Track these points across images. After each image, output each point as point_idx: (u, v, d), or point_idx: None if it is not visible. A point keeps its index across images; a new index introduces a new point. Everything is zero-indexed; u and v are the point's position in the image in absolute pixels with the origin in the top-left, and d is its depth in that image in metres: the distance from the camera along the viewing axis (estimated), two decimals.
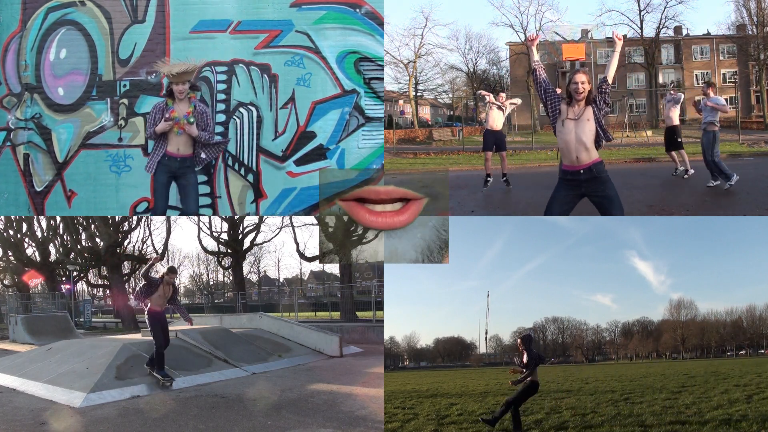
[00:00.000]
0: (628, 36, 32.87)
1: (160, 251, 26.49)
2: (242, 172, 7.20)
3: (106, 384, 6.65)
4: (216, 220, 24.62)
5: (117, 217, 20.56)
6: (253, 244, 25.82)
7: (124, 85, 7.23)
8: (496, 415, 5.17)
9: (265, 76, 7.16)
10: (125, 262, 24.93)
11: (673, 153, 11.06)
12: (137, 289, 7.30)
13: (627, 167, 14.73)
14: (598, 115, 4.83)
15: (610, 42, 5.43)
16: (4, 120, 7.32)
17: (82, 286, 32.68)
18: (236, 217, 22.82)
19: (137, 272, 34.73)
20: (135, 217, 21.00)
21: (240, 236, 24.78)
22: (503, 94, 10.33)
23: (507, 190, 10.30)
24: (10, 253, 23.29)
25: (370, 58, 7.13)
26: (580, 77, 4.78)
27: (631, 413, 5.96)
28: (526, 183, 11.66)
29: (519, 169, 15.33)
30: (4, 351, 12.15)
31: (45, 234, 22.63)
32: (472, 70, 36.48)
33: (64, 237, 22.60)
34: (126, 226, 22.11)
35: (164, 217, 17.73)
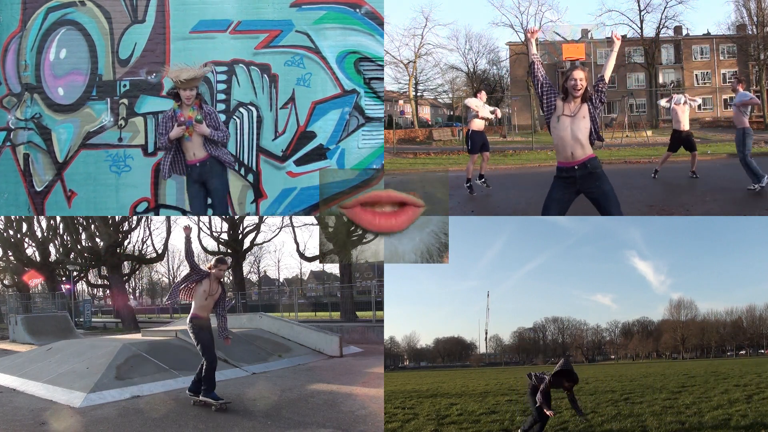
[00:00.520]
0: (628, 36, 32.89)
1: (160, 251, 26.52)
2: (242, 172, 7.20)
3: (106, 384, 6.65)
4: (216, 220, 24.65)
5: (117, 217, 20.56)
6: (253, 244, 25.84)
7: (124, 85, 7.23)
8: None
9: (265, 76, 7.16)
10: (125, 262, 24.93)
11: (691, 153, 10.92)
12: (175, 283, 6.01)
13: (627, 167, 14.73)
14: (593, 112, 4.84)
15: (610, 42, 5.43)
16: (4, 120, 7.32)
17: (82, 286, 32.71)
18: (236, 217, 22.81)
19: (136, 273, 34.80)
20: (135, 217, 21.00)
21: (240, 236, 24.79)
22: (484, 93, 10.24)
23: (489, 193, 10.03)
24: (10, 253, 23.31)
25: (370, 58, 7.13)
26: (578, 74, 4.79)
27: (631, 413, 5.96)
28: (526, 183, 11.66)
29: (519, 169, 15.33)
30: (4, 351, 12.16)
31: (45, 234, 22.64)
32: (472, 70, 36.48)
33: (64, 237, 22.61)
34: (126, 226, 22.11)
35: (164, 217, 17.74)
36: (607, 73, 5.00)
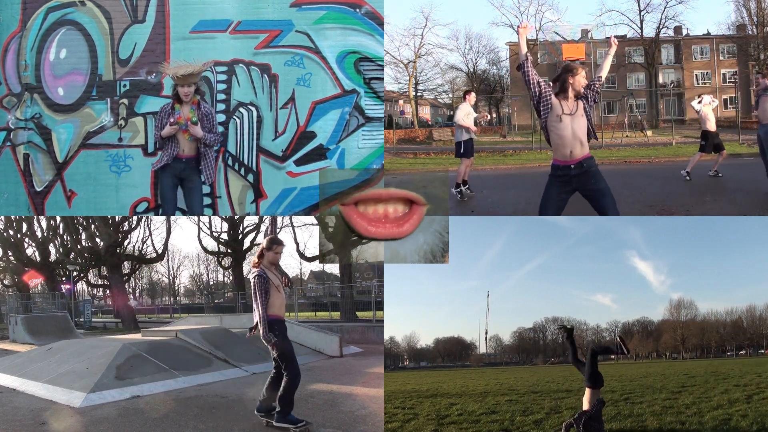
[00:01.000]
0: (628, 36, 32.92)
1: (160, 251, 26.51)
2: (242, 172, 7.20)
3: (106, 384, 6.65)
4: (216, 220, 24.66)
5: (117, 217, 20.57)
6: (253, 244, 25.84)
7: (124, 85, 7.23)
8: None
9: (265, 76, 7.16)
10: (125, 262, 24.95)
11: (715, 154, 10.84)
12: (255, 286, 4.85)
13: (627, 167, 14.74)
14: (588, 111, 4.88)
15: (609, 44, 5.46)
16: (4, 120, 7.32)
17: (82, 286, 32.73)
18: (236, 217, 22.82)
19: (136, 273, 34.75)
20: (135, 217, 21.01)
21: (240, 236, 24.81)
22: (473, 94, 9.64)
23: (471, 196, 9.74)
24: (10, 253, 23.32)
25: (370, 58, 7.13)
26: (582, 70, 4.84)
27: (631, 413, 5.96)
28: (526, 183, 11.66)
29: (519, 169, 15.34)
30: (4, 351, 12.15)
31: (45, 234, 22.65)
32: (472, 70, 36.53)
33: (64, 237, 22.63)
34: (126, 226, 22.13)
35: (164, 217, 17.72)
36: (603, 73, 5.05)
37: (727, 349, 27.48)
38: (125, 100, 7.22)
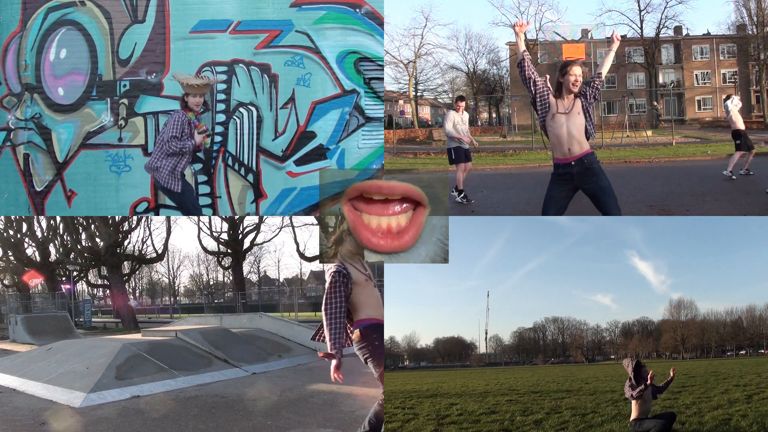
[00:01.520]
0: (628, 36, 32.90)
1: (160, 251, 26.51)
2: (242, 172, 7.20)
3: (106, 384, 6.65)
4: (216, 220, 24.65)
5: (117, 217, 20.57)
6: (253, 244, 25.87)
7: (124, 85, 7.23)
8: None
9: (265, 76, 7.16)
10: (125, 262, 24.95)
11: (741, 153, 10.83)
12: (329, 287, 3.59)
13: (627, 167, 14.73)
14: (587, 108, 4.85)
15: (609, 42, 5.43)
16: (4, 120, 7.32)
17: (82, 286, 32.75)
18: (236, 217, 22.81)
19: (136, 273, 34.66)
20: (135, 217, 21.00)
21: (240, 236, 24.80)
22: (462, 104, 9.24)
23: (469, 204, 9.32)
24: (10, 253, 23.31)
25: (370, 58, 7.13)
26: (577, 69, 4.80)
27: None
28: (526, 183, 11.65)
29: (519, 169, 15.33)
30: (4, 351, 12.15)
31: (45, 234, 22.65)
32: (472, 70, 36.52)
33: (64, 237, 22.62)
34: (126, 226, 22.13)
35: (164, 217, 17.72)
36: (604, 70, 4.99)
37: (727, 349, 27.46)
38: (125, 100, 7.22)
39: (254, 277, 44.42)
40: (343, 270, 3.66)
